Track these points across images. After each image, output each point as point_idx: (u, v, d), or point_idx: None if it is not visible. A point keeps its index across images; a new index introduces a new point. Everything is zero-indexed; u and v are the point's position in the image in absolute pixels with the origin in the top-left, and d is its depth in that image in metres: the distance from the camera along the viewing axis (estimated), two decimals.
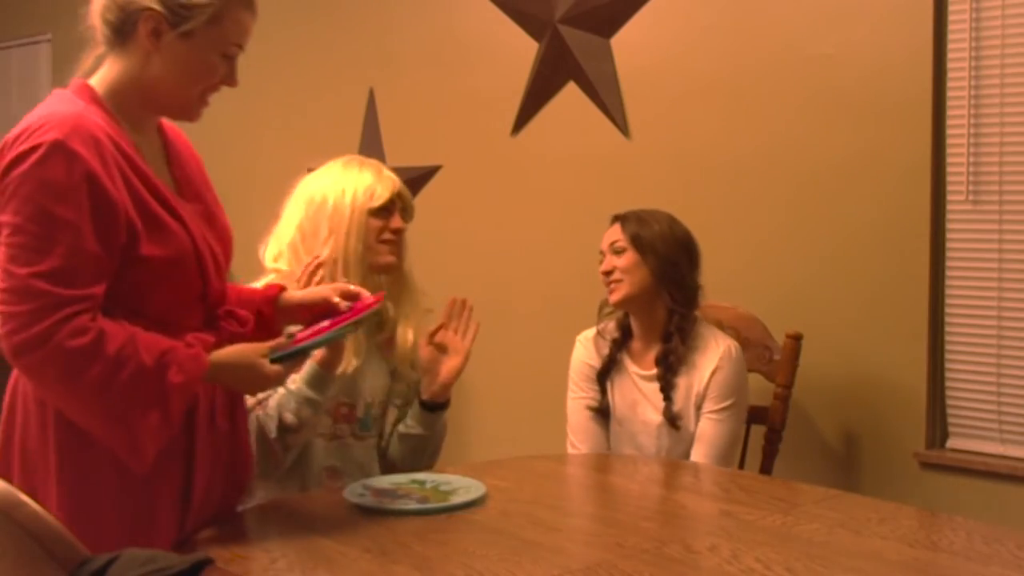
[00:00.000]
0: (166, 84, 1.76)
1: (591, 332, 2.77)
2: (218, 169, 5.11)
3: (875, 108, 2.90)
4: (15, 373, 1.76)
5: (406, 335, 2.39)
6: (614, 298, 2.66)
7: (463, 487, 1.99)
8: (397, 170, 2.50)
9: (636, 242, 2.64)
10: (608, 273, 2.66)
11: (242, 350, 1.75)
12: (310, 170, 2.51)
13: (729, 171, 3.20)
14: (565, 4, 3.55)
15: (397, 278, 2.41)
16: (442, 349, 2.38)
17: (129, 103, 1.78)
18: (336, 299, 1.93)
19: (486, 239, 3.82)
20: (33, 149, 1.60)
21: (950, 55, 2.79)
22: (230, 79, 1.81)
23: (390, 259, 2.36)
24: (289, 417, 2.14)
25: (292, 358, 1.79)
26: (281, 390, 2.16)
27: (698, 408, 2.61)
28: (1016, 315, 2.71)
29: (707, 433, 2.58)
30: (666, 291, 2.63)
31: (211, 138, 4.97)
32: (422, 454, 2.39)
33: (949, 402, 2.85)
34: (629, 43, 3.44)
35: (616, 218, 2.72)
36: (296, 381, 2.15)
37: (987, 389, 2.77)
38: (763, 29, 3.13)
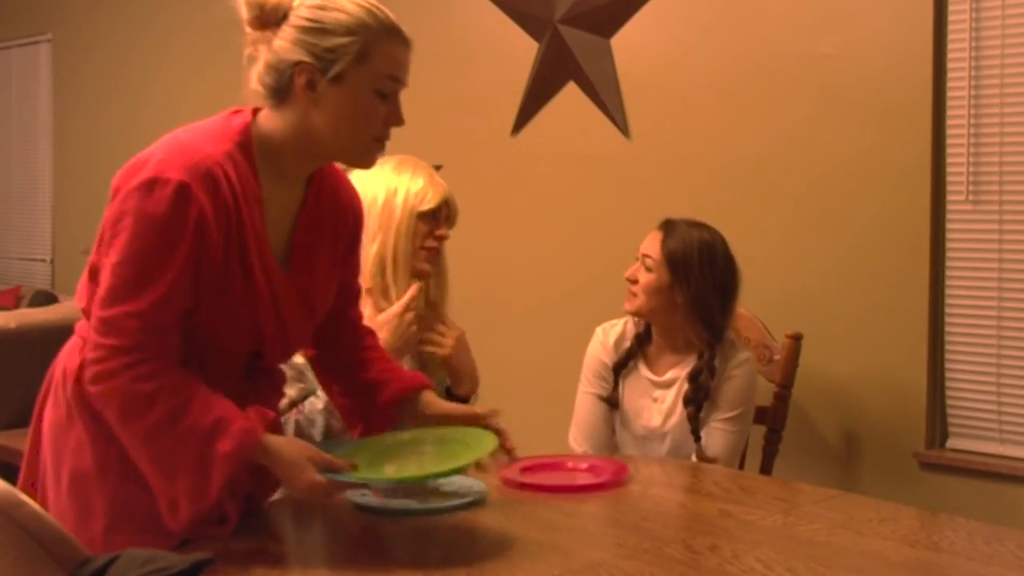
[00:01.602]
0: (330, 134, 1.71)
1: (616, 324, 2.73)
2: None
3: (875, 108, 2.91)
4: (56, 361, 1.81)
5: (442, 340, 2.39)
6: (627, 307, 2.63)
7: (463, 487, 1.99)
8: None
9: (670, 265, 2.55)
10: (632, 281, 2.61)
11: (300, 447, 1.68)
12: None
13: (729, 171, 3.20)
14: (565, 4, 3.55)
15: (437, 280, 2.41)
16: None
17: (284, 155, 1.73)
18: (489, 421, 1.91)
19: (486, 239, 3.82)
20: (156, 183, 1.60)
21: (950, 55, 2.80)
22: (394, 118, 1.76)
23: (426, 267, 2.35)
24: (338, 425, 2.15)
25: (348, 486, 1.71)
26: (323, 395, 2.16)
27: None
28: (1016, 315, 2.71)
29: (714, 443, 2.56)
30: (688, 323, 2.58)
31: None
32: None
33: (949, 402, 2.85)
34: (629, 43, 3.44)
35: (661, 226, 2.63)
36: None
37: (987, 389, 2.77)
38: (763, 29, 3.14)
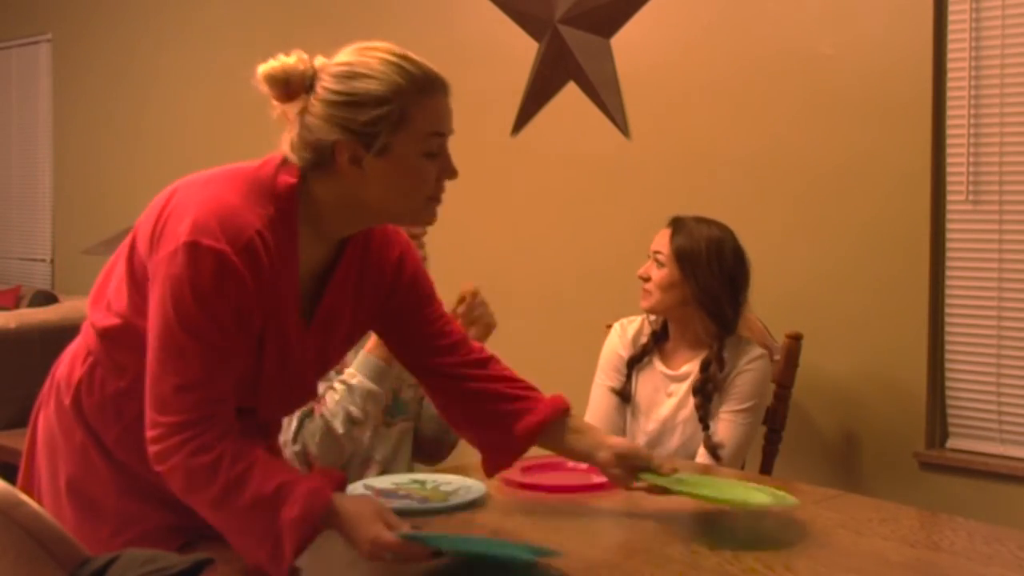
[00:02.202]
0: (384, 202, 1.64)
1: (634, 320, 2.75)
2: None
3: (875, 109, 2.90)
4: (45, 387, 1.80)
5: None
6: (643, 305, 2.65)
7: (463, 487, 1.99)
8: None
9: (679, 260, 2.59)
10: (644, 279, 2.64)
11: (371, 505, 1.59)
12: None
13: (729, 171, 3.20)
14: (565, 4, 3.55)
15: None
16: (467, 315, 2.38)
17: (330, 219, 1.67)
18: (653, 459, 1.89)
19: (486, 239, 3.82)
20: (197, 248, 1.54)
21: (950, 55, 2.79)
22: (446, 174, 1.70)
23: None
24: (355, 411, 2.19)
25: (419, 547, 1.56)
26: (340, 386, 2.20)
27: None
28: (1016, 315, 2.71)
29: (722, 433, 2.57)
30: (698, 317, 2.61)
31: (212, 139, 4.99)
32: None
33: (949, 402, 2.85)
34: (629, 43, 3.44)
35: (671, 223, 2.67)
36: (355, 375, 2.20)
37: (987, 389, 2.77)
38: (763, 29, 3.13)
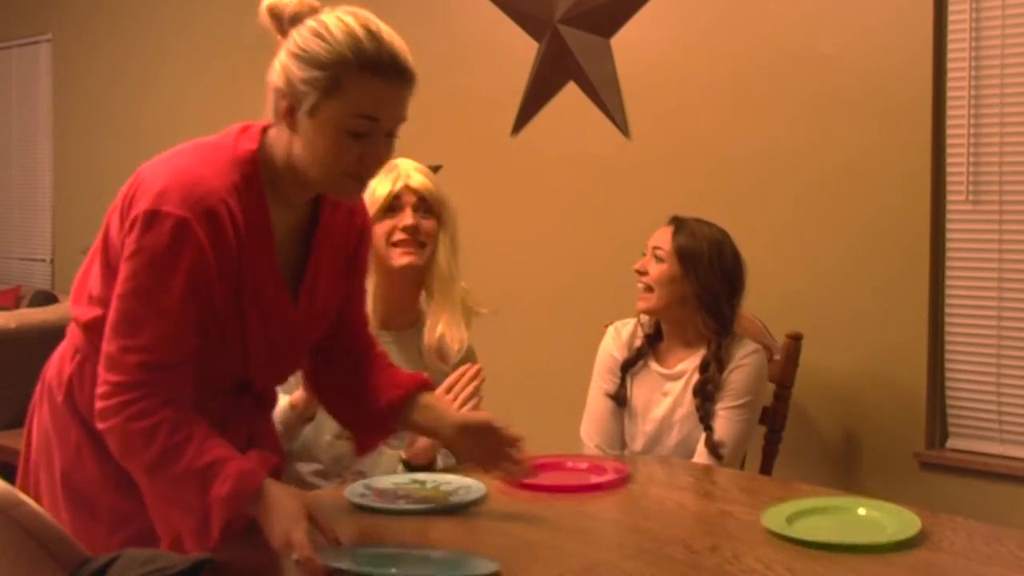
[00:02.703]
0: (305, 165, 1.64)
1: (628, 323, 2.75)
2: None
3: (875, 109, 2.91)
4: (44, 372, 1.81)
5: (435, 327, 2.33)
6: (640, 307, 2.65)
7: (463, 487, 1.99)
8: None
9: (680, 257, 2.60)
10: (641, 273, 2.64)
11: (300, 501, 1.57)
12: None
13: (729, 171, 3.20)
14: (565, 4, 3.55)
15: (430, 269, 2.33)
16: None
17: (281, 179, 1.69)
18: (498, 426, 1.86)
19: (486, 239, 3.82)
20: (156, 216, 1.57)
21: (950, 55, 2.80)
22: (370, 158, 1.65)
23: (404, 260, 2.28)
24: (296, 421, 2.17)
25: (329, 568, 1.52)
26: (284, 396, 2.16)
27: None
28: (1016, 315, 2.71)
29: (719, 430, 2.57)
30: (698, 315, 2.61)
31: None
32: None
33: (949, 402, 2.85)
34: (629, 43, 3.44)
35: (671, 222, 2.67)
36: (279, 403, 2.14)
37: (987, 389, 2.77)
38: (763, 29, 3.14)
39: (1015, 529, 1.80)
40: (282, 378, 1.89)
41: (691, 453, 2.60)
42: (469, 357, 2.42)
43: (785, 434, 2.85)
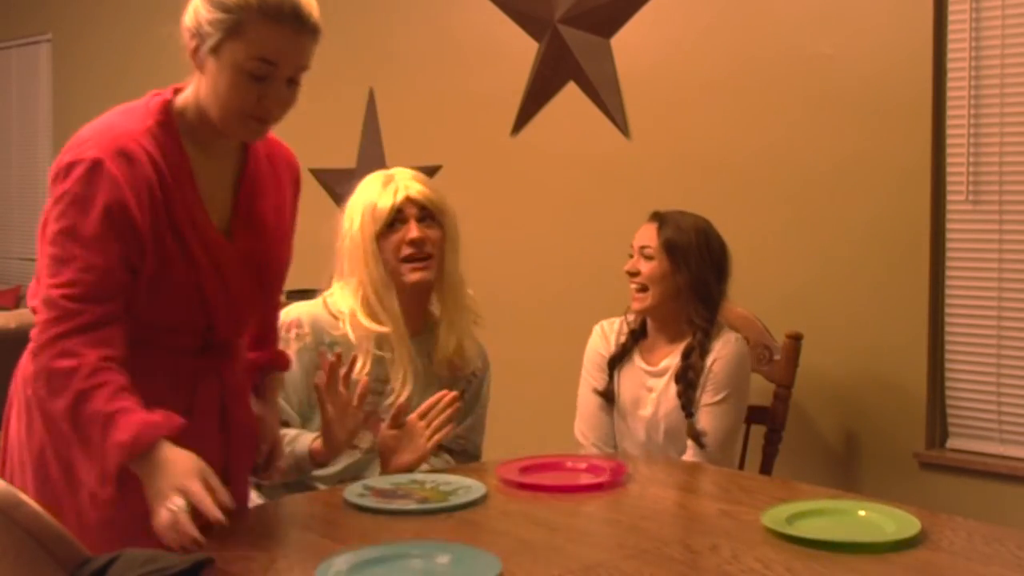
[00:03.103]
0: (209, 105, 1.74)
1: (614, 321, 2.77)
2: None
3: (875, 108, 2.91)
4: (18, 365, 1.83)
5: (450, 337, 2.32)
6: (637, 307, 2.65)
7: (463, 487, 1.99)
8: None
9: (668, 252, 2.61)
10: (633, 274, 2.64)
11: (198, 463, 1.59)
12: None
13: (729, 171, 3.20)
14: (565, 4, 3.55)
15: (441, 278, 2.33)
16: (405, 435, 2.18)
17: (193, 123, 1.77)
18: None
19: (486, 239, 3.81)
20: (74, 164, 1.66)
21: (950, 55, 2.80)
22: (269, 100, 1.72)
23: (416, 277, 2.27)
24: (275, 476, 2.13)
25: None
26: (288, 436, 2.15)
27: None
28: (1016, 315, 2.71)
29: (702, 421, 2.57)
30: (690, 304, 2.62)
31: None
32: None
33: (949, 402, 2.85)
34: (629, 43, 3.44)
35: (654, 218, 2.68)
36: (296, 443, 2.14)
37: (987, 389, 2.77)
38: (763, 29, 3.14)
39: (1015, 529, 1.80)
40: (243, 323, 1.89)
41: (681, 449, 2.60)
42: (484, 366, 2.44)
43: (785, 434, 2.85)
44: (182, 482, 1.55)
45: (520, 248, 3.76)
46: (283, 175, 1.93)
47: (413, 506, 1.89)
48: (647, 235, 2.65)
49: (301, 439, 2.15)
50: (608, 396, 2.69)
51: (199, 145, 1.77)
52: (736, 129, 3.20)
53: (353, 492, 1.95)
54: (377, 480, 2.08)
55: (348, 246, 2.29)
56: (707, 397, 2.58)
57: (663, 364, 2.65)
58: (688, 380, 2.58)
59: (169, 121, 1.75)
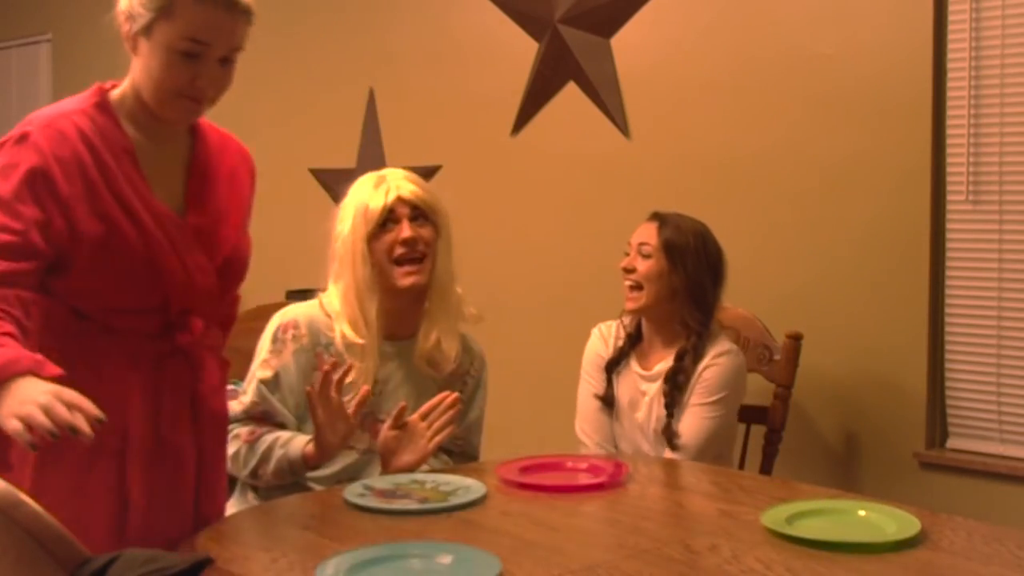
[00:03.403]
0: (143, 87, 1.79)
1: (611, 324, 2.76)
2: None
3: (875, 108, 2.91)
4: None
5: (429, 334, 2.31)
6: (631, 306, 2.64)
7: (463, 487, 1.99)
8: None
9: (667, 251, 2.60)
10: (629, 271, 2.63)
11: (39, 383, 1.51)
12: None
13: (729, 171, 3.20)
14: (565, 4, 3.55)
15: (431, 280, 2.31)
16: (406, 436, 2.18)
17: (133, 108, 1.82)
18: None
19: (486, 239, 3.82)
20: (6, 140, 1.73)
21: (950, 55, 2.80)
22: (202, 79, 1.75)
23: (409, 281, 2.25)
24: (265, 471, 2.14)
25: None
26: (275, 444, 2.14)
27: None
28: (1016, 315, 2.71)
29: (687, 426, 2.55)
30: (685, 306, 2.61)
31: None
32: None
33: (949, 402, 2.85)
34: (629, 43, 3.44)
35: (654, 217, 2.68)
36: (289, 446, 2.13)
37: (987, 389, 2.77)
38: (763, 29, 3.14)
39: (1015, 529, 1.80)
40: (200, 305, 1.86)
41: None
42: (481, 367, 2.42)
43: (785, 434, 2.85)
44: (36, 399, 1.46)
45: (520, 248, 3.76)
46: (239, 167, 1.96)
47: (413, 506, 1.89)
48: (646, 233, 2.65)
49: (294, 442, 2.15)
50: (607, 400, 2.69)
51: (142, 130, 1.81)
52: (736, 129, 3.20)
53: (353, 492, 1.95)
54: (377, 480, 2.08)
55: (340, 248, 2.28)
56: (695, 399, 2.57)
57: (657, 369, 2.64)
58: (677, 382, 2.58)
59: (104, 103, 1.80)
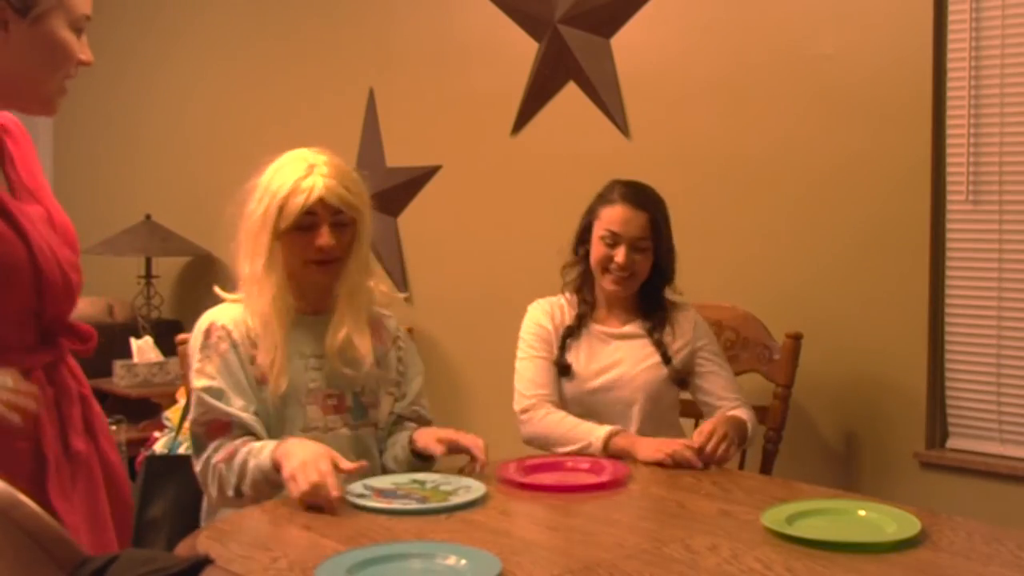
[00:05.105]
0: (23, 76, 1.66)
1: (548, 300, 2.73)
2: (217, 170, 5.14)
3: (875, 108, 2.90)
4: None
5: (338, 329, 2.23)
6: (625, 292, 2.61)
7: (463, 487, 1.99)
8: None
9: (656, 239, 2.59)
10: (624, 267, 2.58)
11: None
12: None
13: (729, 171, 3.20)
14: (565, 4, 3.55)
15: (342, 277, 2.24)
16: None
17: None
18: None
19: (486, 239, 3.82)
20: None
21: (950, 55, 2.79)
22: (85, 55, 1.71)
23: (317, 278, 2.22)
24: (245, 486, 2.09)
25: None
26: (248, 455, 2.10)
27: (686, 370, 2.61)
28: (1016, 315, 2.71)
29: (726, 381, 2.60)
30: (658, 278, 2.63)
31: (210, 139, 4.97)
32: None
33: (949, 402, 2.85)
34: (629, 43, 3.44)
35: (636, 204, 2.61)
36: (261, 455, 2.07)
37: (987, 389, 2.77)
38: (763, 29, 3.13)
39: (1015, 529, 1.80)
40: (73, 295, 1.79)
41: (665, 408, 2.60)
42: (404, 339, 2.43)
43: (785, 434, 2.85)
44: None
45: (520, 248, 3.75)
46: (18, 138, 1.87)
47: (413, 506, 1.89)
48: (639, 227, 2.58)
49: (265, 451, 2.07)
50: (563, 368, 2.60)
51: None
52: (736, 129, 3.20)
53: (353, 492, 1.95)
54: (378, 480, 2.09)
55: (248, 228, 2.21)
56: (707, 352, 2.61)
57: (626, 329, 2.62)
58: (659, 340, 2.59)
59: None
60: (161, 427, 3.78)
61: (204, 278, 5.05)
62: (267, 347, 2.20)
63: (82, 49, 1.70)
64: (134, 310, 5.11)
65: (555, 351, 2.63)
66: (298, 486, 1.91)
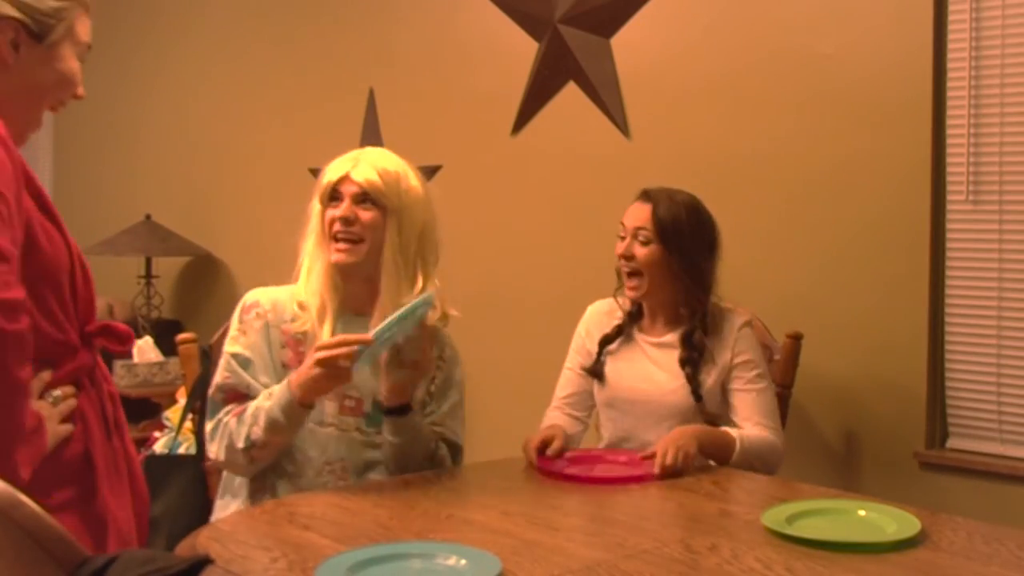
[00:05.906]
0: (22, 99, 1.64)
1: (604, 302, 2.74)
2: (218, 170, 5.14)
3: (875, 108, 2.91)
4: None
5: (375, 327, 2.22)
6: (633, 295, 2.61)
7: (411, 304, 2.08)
8: None
9: (663, 235, 2.55)
10: (627, 258, 2.59)
11: None
12: (311, 170, 2.49)
13: (729, 171, 3.20)
14: (565, 4, 3.55)
15: (377, 264, 2.26)
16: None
17: None
18: None
19: (486, 239, 3.82)
20: None
21: (950, 55, 2.79)
22: (81, 89, 1.74)
23: (337, 258, 2.23)
24: (257, 432, 2.12)
25: None
26: (252, 406, 2.14)
27: (723, 388, 2.56)
28: (1016, 315, 2.71)
29: (753, 402, 2.52)
30: (688, 289, 2.58)
31: (211, 139, 4.97)
32: (407, 460, 2.25)
33: (949, 402, 2.85)
34: (629, 43, 3.44)
35: (646, 198, 2.62)
36: (272, 398, 2.12)
37: (987, 389, 2.77)
38: (763, 29, 3.14)
39: (1015, 529, 1.80)
40: (93, 296, 1.79)
41: (691, 423, 2.55)
42: (454, 353, 2.44)
43: (785, 434, 2.84)
44: None
45: (520, 248, 3.76)
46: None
47: (389, 320, 2.04)
48: (641, 217, 2.59)
49: (276, 390, 2.13)
50: (597, 373, 2.63)
51: None
52: (736, 129, 3.20)
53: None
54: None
55: (308, 212, 2.33)
56: (743, 376, 2.54)
57: (666, 338, 2.61)
58: (694, 361, 2.54)
59: None
60: (161, 427, 3.78)
61: (204, 278, 5.05)
62: (314, 304, 2.24)
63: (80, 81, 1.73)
64: (134, 310, 5.11)
65: (592, 356, 2.67)
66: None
